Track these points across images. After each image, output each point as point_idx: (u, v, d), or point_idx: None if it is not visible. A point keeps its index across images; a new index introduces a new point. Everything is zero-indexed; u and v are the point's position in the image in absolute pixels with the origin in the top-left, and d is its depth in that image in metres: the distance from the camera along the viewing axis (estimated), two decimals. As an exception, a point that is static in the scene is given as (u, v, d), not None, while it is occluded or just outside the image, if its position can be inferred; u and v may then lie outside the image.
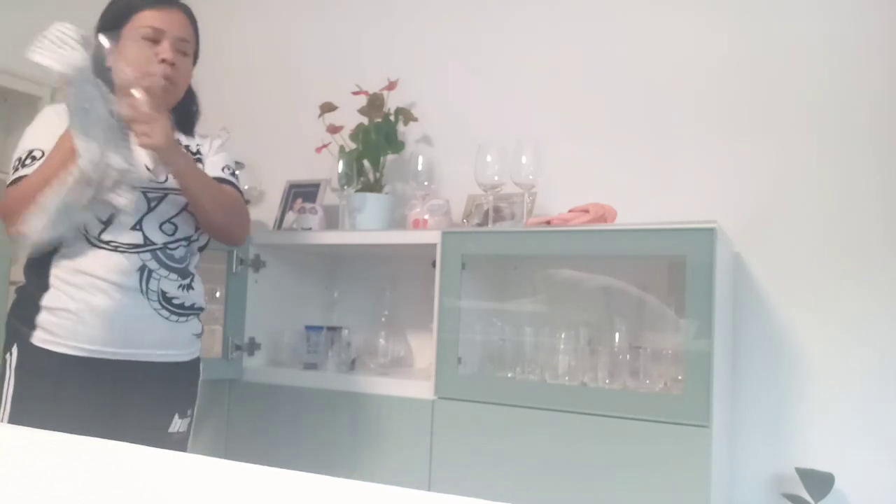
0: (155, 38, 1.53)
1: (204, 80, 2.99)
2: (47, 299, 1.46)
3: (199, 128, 1.70)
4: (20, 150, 1.48)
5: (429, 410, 1.81)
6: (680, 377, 1.65)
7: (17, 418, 1.41)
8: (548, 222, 1.80)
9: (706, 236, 1.58)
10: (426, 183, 2.12)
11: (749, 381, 1.94)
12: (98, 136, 1.35)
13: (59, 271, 1.47)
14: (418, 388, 1.84)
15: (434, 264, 1.86)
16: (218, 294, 2.15)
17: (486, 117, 2.33)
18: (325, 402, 1.96)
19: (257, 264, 2.16)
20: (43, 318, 1.45)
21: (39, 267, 1.50)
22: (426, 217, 2.09)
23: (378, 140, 2.24)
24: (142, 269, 1.46)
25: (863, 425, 1.81)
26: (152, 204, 1.49)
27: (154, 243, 1.48)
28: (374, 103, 2.26)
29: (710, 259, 1.56)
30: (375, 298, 2.34)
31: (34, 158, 1.44)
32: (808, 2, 1.97)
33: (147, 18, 1.54)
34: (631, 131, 2.13)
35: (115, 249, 1.45)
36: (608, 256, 1.88)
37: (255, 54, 2.83)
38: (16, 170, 1.45)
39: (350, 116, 2.30)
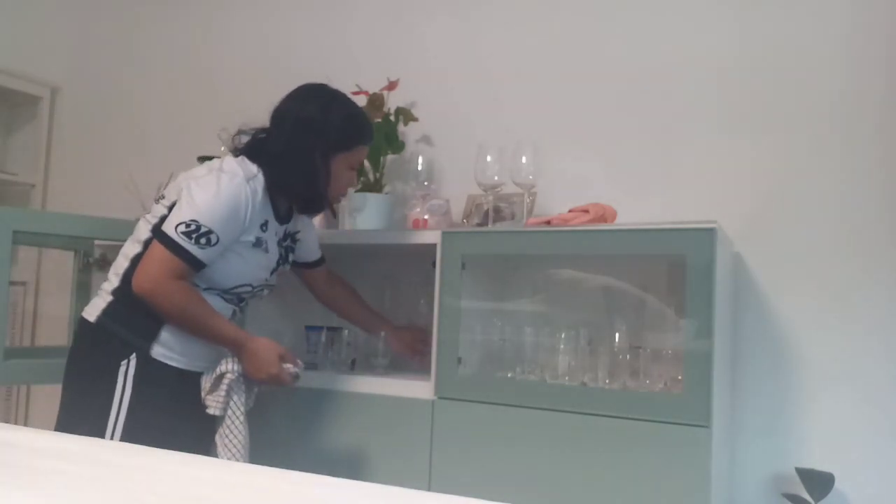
0: (353, 168, 1.78)
1: (203, 80, 3.00)
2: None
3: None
4: (200, 218, 1.53)
5: (429, 410, 1.81)
6: (680, 377, 1.65)
7: (132, 426, 1.53)
8: (548, 222, 1.80)
9: (706, 236, 1.58)
10: (426, 183, 2.11)
11: (749, 381, 1.94)
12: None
13: None
14: (418, 388, 1.84)
15: (434, 264, 1.86)
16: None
17: (486, 117, 2.33)
18: (325, 402, 1.95)
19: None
20: (164, 335, 1.61)
21: None
22: (426, 217, 2.09)
23: (378, 140, 2.23)
24: (233, 313, 1.74)
25: (863, 425, 1.81)
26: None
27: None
28: (374, 103, 2.26)
29: (710, 259, 1.56)
30: (375, 298, 2.33)
31: (210, 243, 1.53)
32: (808, 1, 1.97)
33: (363, 153, 1.80)
34: (631, 131, 2.13)
35: (226, 300, 1.70)
36: (608, 256, 1.88)
37: (255, 54, 2.83)
38: (189, 235, 1.52)
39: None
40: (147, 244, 1.59)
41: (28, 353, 2.80)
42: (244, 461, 1.60)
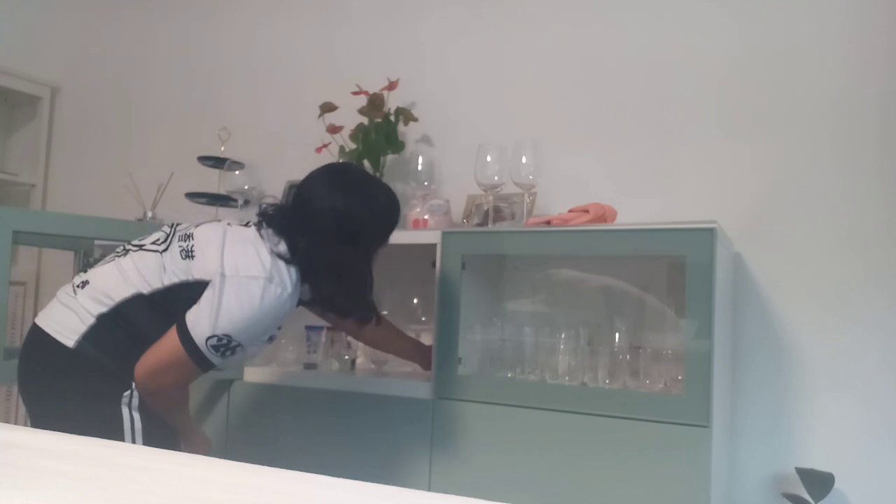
0: None
1: (204, 80, 3.00)
2: None
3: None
4: (232, 333, 1.41)
5: (429, 410, 1.81)
6: (680, 377, 1.65)
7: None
8: (548, 222, 1.80)
9: (706, 236, 1.58)
10: (426, 183, 2.11)
11: (749, 381, 1.94)
12: None
13: None
14: (418, 388, 1.84)
15: (434, 264, 1.86)
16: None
17: (486, 117, 2.33)
18: (325, 402, 1.95)
19: None
20: None
21: (155, 321, 1.46)
22: (426, 217, 2.09)
23: (378, 140, 2.24)
24: None
25: (863, 425, 1.81)
26: None
27: None
28: (374, 103, 2.26)
29: (710, 259, 1.56)
30: (375, 298, 2.33)
31: (234, 353, 1.46)
32: (808, 1, 1.97)
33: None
34: (631, 131, 2.14)
35: None
36: (608, 256, 1.88)
37: (255, 54, 2.83)
38: (217, 349, 1.42)
39: (350, 116, 2.30)
40: (155, 298, 1.44)
41: (28, 353, 2.79)
42: None
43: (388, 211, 1.58)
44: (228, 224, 1.55)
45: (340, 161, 1.63)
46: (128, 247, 1.53)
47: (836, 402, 1.85)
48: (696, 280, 1.57)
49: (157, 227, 1.60)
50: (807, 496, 1.73)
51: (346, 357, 2.13)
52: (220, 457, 1.67)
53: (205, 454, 1.66)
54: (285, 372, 2.06)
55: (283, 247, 1.48)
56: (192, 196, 2.54)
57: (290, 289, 1.46)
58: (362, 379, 1.96)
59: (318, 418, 1.95)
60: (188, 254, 1.47)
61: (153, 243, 1.51)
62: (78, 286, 1.48)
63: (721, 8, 2.06)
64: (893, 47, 1.87)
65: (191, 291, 1.43)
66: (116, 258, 1.50)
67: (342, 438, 1.92)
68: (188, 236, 1.51)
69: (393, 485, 0.68)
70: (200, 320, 1.40)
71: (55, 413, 1.45)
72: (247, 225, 1.55)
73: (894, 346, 1.81)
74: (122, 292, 1.44)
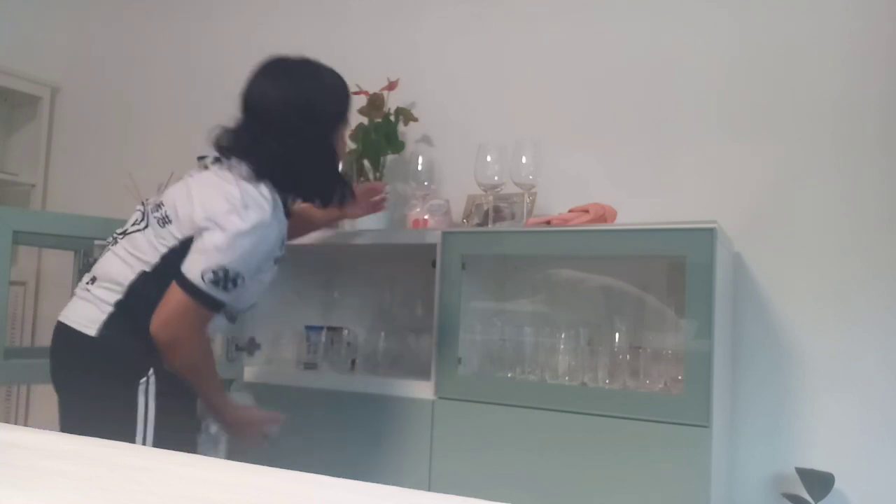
0: None
1: (203, 80, 3.00)
2: None
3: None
4: (227, 265, 1.43)
5: (429, 410, 1.81)
6: (680, 377, 1.65)
7: (161, 444, 1.45)
8: (548, 222, 1.80)
9: (706, 236, 1.58)
10: (426, 183, 2.11)
11: (749, 381, 1.94)
12: None
13: None
14: (418, 388, 1.84)
15: (434, 264, 1.86)
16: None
17: (486, 117, 2.33)
18: (325, 402, 1.95)
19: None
20: None
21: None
22: (426, 217, 2.09)
23: (378, 140, 2.23)
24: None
25: (863, 425, 1.81)
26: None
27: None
28: (374, 103, 2.26)
29: (710, 259, 1.56)
30: (375, 298, 2.34)
31: (235, 285, 1.46)
32: (808, 1, 1.97)
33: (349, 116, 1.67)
34: (631, 131, 2.13)
35: (227, 317, 1.61)
36: (608, 256, 1.88)
37: (255, 54, 2.82)
38: (216, 283, 1.43)
39: (350, 116, 2.30)
40: (157, 270, 1.48)
41: (28, 353, 2.80)
42: None
43: (337, 86, 1.61)
44: (190, 176, 1.57)
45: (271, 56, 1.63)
46: (115, 236, 1.59)
47: (836, 402, 1.85)
48: (696, 280, 1.57)
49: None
50: (807, 496, 1.73)
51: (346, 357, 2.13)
52: (219, 457, 1.68)
53: (251, 437, 1.63)
54: (285, 372, 2.06)
55: (245, 169, 1.49)
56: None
57: (268, 207, 1.47)
58: (362, 379, 1.96)
59: (318, 418, 1.95)
60: (165, 220, 1.51)
61: (133, 225, 1.57)
62: (88, 283, 1.53)
63: (721, 8, 2.06)
64: (894, 47, 1.87)
65: (185, 250, 1.47)
66: (110, 248, 1.56)
67: (342, 438, 1.92)
68: (159, 205, 1.54)
69: (393, 485, 0.68)
70: (193, 263, 1.44)
71: (80, 402, 1.51)
72: (206, 168, 1.56)
73: (894, 346, 1.81)
74: (128, 275, 1.49)
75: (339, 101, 1.61)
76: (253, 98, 1.56)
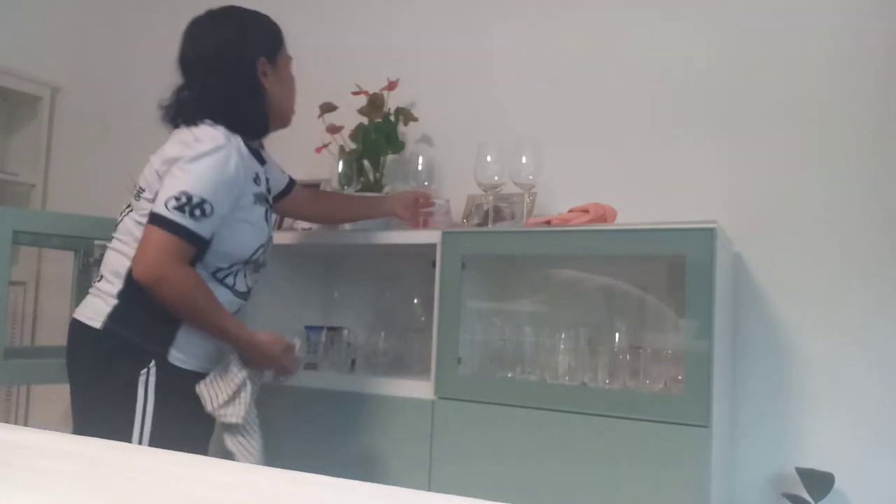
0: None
1: (204, 80, 2.98)
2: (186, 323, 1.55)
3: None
4: (189, 189, 1.45)
5: (429, 410, 1.81)
6: (680, 377, 1.65)
7: (159, 436, 1.48)
8: (548, 222, 1.80)
9: (706, 236, 1.58)
10: (426, 183, 2.11)
11: (749, 381, 1.94)
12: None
13: None
14: (418, 388, 1.84)
15: (434, 264, 1.86)
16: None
17: (485, 117, 2.33)
18: (325, 402, 1.95)
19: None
20: (180, 339, 1.54)
21: None
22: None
23: (378, 140, 2.23)
24: (237, 312, 1.66)
25: (863, 425, 1.81)
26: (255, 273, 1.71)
27: (249, 297, 1.71)
28: (374, 103, 2.26)
29: (710, 259, 1.56)
30: (375, 298, 2.34)
31: (204, 213, 1.45)
32: (807, 1, 1.97)
33: (286, 51, 1.76)
34: (631, 131, 2.13)
35: (233, 292, 1.63)
36: (608, 256, 1.88)
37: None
38: (181, 209, 1.43)
39: (350, 116, 2.30)
40: None
41: (28, 353, 2.80)
42: (262, 462, 1.60)
43: (266, 23, 1.70)
44: (154, 154, 1.62)
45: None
46: (111, 234, 1.64)
47: (836, 402, 1.85)
48: (696, 280, 1.57)
49: None
50: (807, 496, 1.73)
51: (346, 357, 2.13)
52: (219, 457, 1.67)
53: (278, 357, 1.61)
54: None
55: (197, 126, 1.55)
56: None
57: (220, 136, 1.51)
58: (362, 379, 1.96)
59: (318, 418, 1.95)
60: (139, 192, 1.57)
61: (121, 214, 1.62)
62: (97, 280, 1.59)
63: (721, 8, 2.06)
64: (891, 47, 1.87)
65: None
66: (108, 245, 1.62)
67: (342, 438, 1.92)
68: (136, 188, 1.60)
69: (393, 485, 0.68)
70: (158, 200, 1.47)
71: (84, 394, 1.54)
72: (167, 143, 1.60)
73: (894, 346, 1.81)
74: (124, 263, 1.53)
75: (262, 37, 1.68)
76: (184, 58, 1.63)
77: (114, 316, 1.51)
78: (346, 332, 2.15)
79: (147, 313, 1.50)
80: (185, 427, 1.55)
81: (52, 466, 0.73)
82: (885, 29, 1.88)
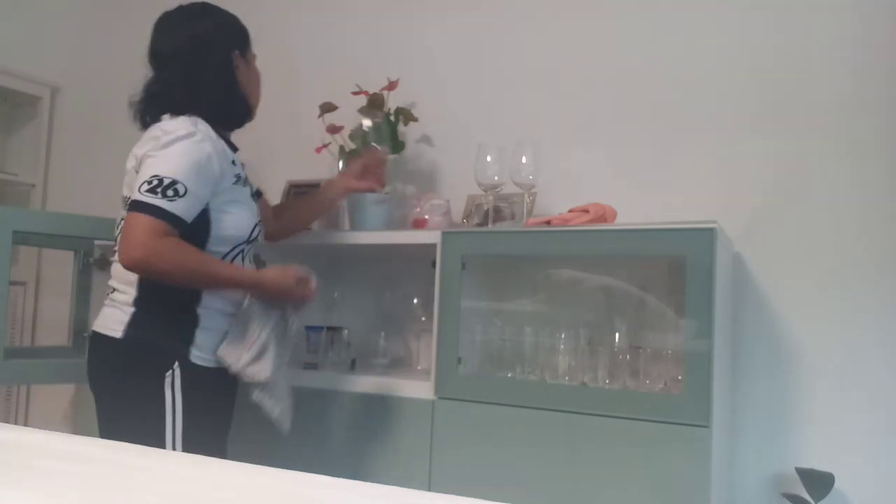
0: None
1: (204, 80, 2.98)
2: (204, 321, 1.57)
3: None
4: (159, 172, 1.45)
5: (429, 410, 1.81)
6: (680, 377, 1.65)
7: (189, 436, 1.50)
8: (548, 222, 1.80)
9: (706, 236, 1.58)
10: (426, 183, 2.11)
11: (749, 381, 1.94)
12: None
13: (208, 298, 1.58)
14: (418, 388, 1.84)
15: (434, 264, 1.86)
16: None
17: (486, 117, 2.33)
18: (325, 402, 1.95)
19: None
20: (199, 338, 1.56)
21: (184, 291, 1.55)
22: (426, 217, 2.09)
23: (378, 140, 2.23)
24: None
25: (863, 425, 1.81)
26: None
27: None
28: (374, 103, 2.26)
29: (710, 259, 1.56)
30: (375, 298, 2.34)
31: (177, 193, 1.45)
32: (808, 0, 1.97)
33: (252, 48, 1.78)
34: (631, 131, 2.13)
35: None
36: (608, 256, 1.88)
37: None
38: (153, 191, 1.43)
39: (350, 116, 2.30)
40: None
41: (28, 353, 2.80)
42: (291, 407, 1.64)
43: (224, 19, 1.71)
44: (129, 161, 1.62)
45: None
46: (114, 248, 1.63)
47: (836, 401, 1.85)
48: (696, 280, 1.57)
49: None
50: (807, 496, 1.73)
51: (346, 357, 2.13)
52: (220, 457, 1.66)
53: (294, 289, 1.60)
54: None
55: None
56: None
57: (189, 124, 1.52)
58: (362, 379, 1.96)
59: (318, 418, 1.95)
60: (126, 201, 1.56)
61: (117, 227, 1.63)
62: (110, 293, 1.60)
63: (722, 7, 2.06)
64: (894, 48, 1.87)
65: None
66: (111, 259, 1.63)
67: (342, 438, 1.92)
68: (123, 199, 1.61)
69: (393, 485, 0.68)
70: (134, 189, 1.47)
71: (112, 403, 1.55)
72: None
73: (894, 346, 1.81)
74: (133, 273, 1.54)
75: (234, 31, 1.72)
76: (157, 51, 1.65)
77: (133, 324, 1.53)
78: (346, 332, 2.15)
79: (165, 316, 1.54)
80: (214, 423, 1.60)
81: (52, 466, 0.73)
82: (890, 28, 1.88)
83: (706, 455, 1.50)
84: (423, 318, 2.17)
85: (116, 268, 1.58)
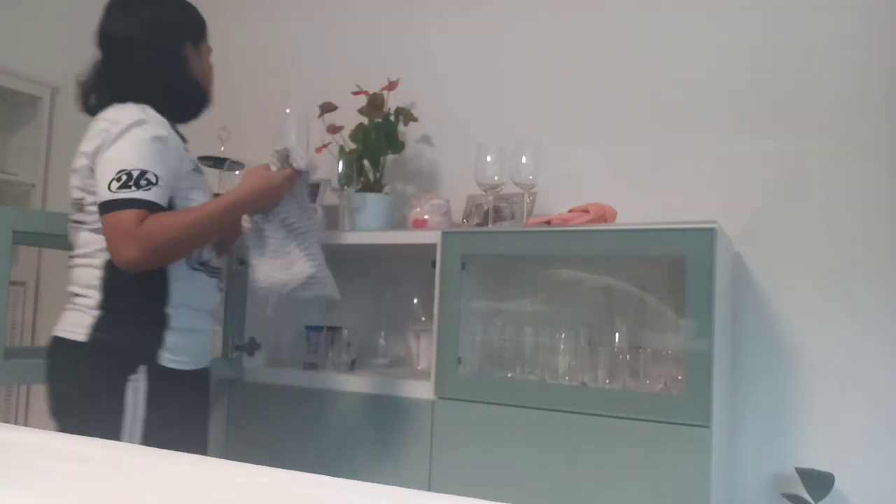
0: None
1: (204, 80, 2.98)
2: (174, 321, 1.50)
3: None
4: (125, 166, 1.39)
5: (429, 410, 1.81)
6: (680, 377, 1.65)
7: (152, 441, 1.40)
8: (548, 222, 1.80)
9: (706, 236, 1.58)
10: (426, 183, 2.11)
11: (749, 381, 1.94)
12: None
13: (177, 296, 1.51)
14: (418, 388, 1.84)
15: (434, 264, 1.86)
16: (218, 294, 2.15)
17: (486, 117, 2.33)
18: (325, 402, 1.95)
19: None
20: (170, 339, 1.49)
21: (153, 288, 1.50)
22: (426, 217, 2.09)
23: (378, 140, 2.23)
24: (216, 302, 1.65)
25: (863, 425, 1.81)
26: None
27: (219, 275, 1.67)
28: (374, 103, 2.26)
29: (710, 259, 1.56)
30: (375, 298, 2.34)
31: (150, 182, 1.40)
32: (809, 0, 1.97)
33: (208, 41, 1.70)
34: (631, 131, 2.14)
35: (207, 272, 1.60)
36: (608, 256, 1.88)
37: (255, 54, 2.83)
38: (126, 185, 1.38)
39: (350, 116, 2.30)
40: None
41: (28, 353, 2.79)
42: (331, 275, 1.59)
43: (177, 6, 1.63)
44: (76, 159, 1.57)
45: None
46: (69, 255, 1.59)
47: (836, 401, 1.85)
48: (696, 280, 1.57)
49: None
50: (807, 496, 1.73)
51: (346, 357, 2.13)
52: (220, 457, 1.66)
53: (270, 179, 1.52)
54: (285, 372, 2.06)
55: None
56: None
57: (137, 111, 1.45)
58: (362, 379, 1.96)
59: (318, 418, 1.95)
60: (83, 205, 1.54)
61: (71, 232, 1.60)
62: (71, 298, 1.53)
63: (722, 7, 2.06)
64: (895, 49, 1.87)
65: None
66: (69, 265, 1.57)
67: (342, 438, 1.92)
68: (73, 202, 1.58)
69: (393, 485, 0.68)
70: (100, 188, 1.41)
71: (71, 406, 1.45)
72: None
73: (894, 346, 1.81)
74: (96, 273, 1.48)
75: (189, 20, 1.63)
76: (107, 32, 1.56)
77: (98, 326, 1.45)
78: (346, 332, 2.15)
79: (133, 318, 1.46)
80: (180, 433, 1.48)
81: (52, 466, 0.73)
82: (891, 28, 1.88)
83: (706, 455, 1.50)
84: (423, 318, 2.17)
85: (76, 273, 1.52)
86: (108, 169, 1.40)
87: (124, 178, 1.38)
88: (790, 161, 1.95)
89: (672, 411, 1.55)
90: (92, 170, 1.46)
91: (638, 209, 1.96)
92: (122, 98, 1.48)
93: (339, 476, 0.71)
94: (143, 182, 1.39)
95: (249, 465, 0.75)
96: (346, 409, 1.93)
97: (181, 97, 1.59)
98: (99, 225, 1.45)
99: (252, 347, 2.12)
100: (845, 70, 1.91)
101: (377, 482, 0.69)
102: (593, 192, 2.01)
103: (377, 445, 1.87)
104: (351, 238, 2.09)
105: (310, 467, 0.75)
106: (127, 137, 1.42)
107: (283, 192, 1.55)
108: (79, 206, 1.53)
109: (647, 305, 1.89)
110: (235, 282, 2.11)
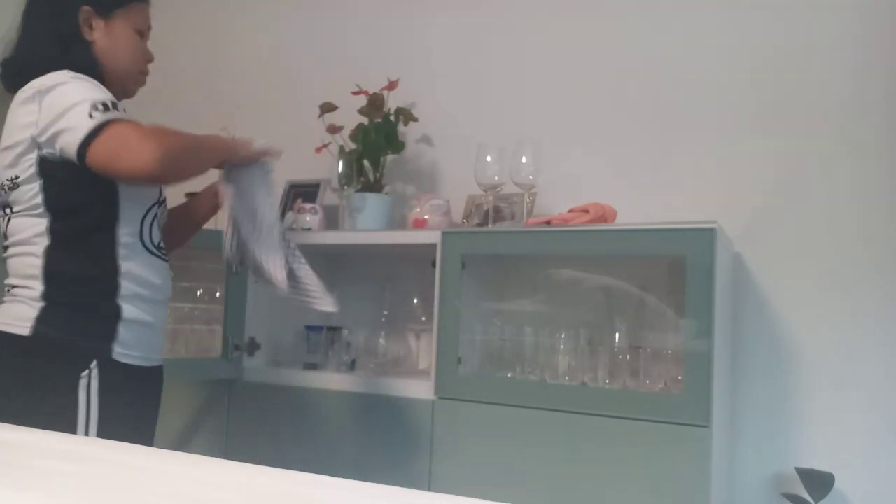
0: (142, 35, 1.58)
1: (204, 80, 3.00)
2: (127, 312, 1.39)
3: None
4: (93, 98, 1.29)
5: (429, 410, 1.81)
6: (680, 377, 1.65)
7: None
8: (548, 222, 1.80)
9: (706, 236, 1.58)
10: (426, 183, 2.11)
11: (749, 381, 1.94)
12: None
13: (129, 285, 1.40)
14: (418, 388, 1.84)
15: (434, 264, 1.86)
16: (218, 294, 2.15)
17: (486, 117, 2.33)
18: (325, 402, 1.95)
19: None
20: (122, 333, 1.38)
21: (102, 277, 1.38)
22: (426, 217, 2.09)
23: (378, 140, 2.23)
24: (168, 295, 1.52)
25: (863, 425, 1.81)
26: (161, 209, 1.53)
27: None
28: (374, 103, 2.26)
29: (710, 259, 1.56)
30: (375, 298, 2.33)
31: (115, 105, 1.32)
32: (809, 0, 1.97)
33: (142, 12, 1.57)
34: (631, 131, 2.13)
35: (162, 257, 1.49)
36: (608, 256, 1.88)
37: (255, 54, 2.83)
38: (106, 109, 1.28)
39: (350, 116, 2.30)
40: (53, 230, 1.34)
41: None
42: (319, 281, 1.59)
43: None
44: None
45: None
46: (5, 243, 1.44)
47: (836, 401, 1.85)
48: (696, 280, 1.57)
49: None
50: (807, 496, 1.73)
51: (346, 357, 2.13)
52: (220, 457, 1.66)
53: (229, 145, 1.51)
54: (285, 372, 2.07)
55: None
56: (193, 196, 2.53)
57: (61, 75, 1.34)
58: (362, 379, 1.96)
59: (318, 418, 1.95)
60: (17, 184, 1.36)
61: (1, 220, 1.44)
62: (8, 290, 1.40)
63: (721, 7, 2.06)
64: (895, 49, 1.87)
65: (56, 181, 1.34)
66: (3, 255, 1.43)
67: (342, 438, 1.92)
68: (2, 186, 1.40)
69: (393, 485, 0.68)
70: (73, 132, 1.28)
71: (18, 407, 1.30)
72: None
73: (894, 346, 1.81)
74: (36, 262, 1.35)
75: None
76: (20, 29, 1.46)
77: (43, 319, 1.33)
78: (345, 332, 2.15)
79: (81, 310, 1.35)
80: (132, 428, 1.37)
81: (52, 466, 0.73)
82: (889, 30, 1.88)
83: (706, 455, 1.50)
84: (423, 318, 2.17)
85: (12, 263, 1.39)
86: (75, 108, 1.29)
87: (101, 106, 1.29)
88: (790, 161, 1.95)
89: (672, 411, 1.55)
90: (34, 139, 1.32)
91: (638, 209, 1.96)
92: (35, 70, 1.36)
93: (339, 476, 0.71)
94: (111, 105, 1.31)
95: (249, 465, 0.75)
96: (346, 409, 1.93)
97: (83, 69, 1.39)
98: (37, 209, 1.34)
99: (252, 347, 2.12)
100: (845, 70, 1.91)
101: (377, 482, 0.69)
102: (593, 192, 2.01)
103: (377, 445, 1.87)
104: (351, 238, 2.09)
105: (310, 467, 0.75)
106: (67, 85, 1.32)
107: (244, 147, 1.54)
108: (9, 188, 1.37)
109: (647, 305, 1.89)
110: (235, 281, 2.11)
